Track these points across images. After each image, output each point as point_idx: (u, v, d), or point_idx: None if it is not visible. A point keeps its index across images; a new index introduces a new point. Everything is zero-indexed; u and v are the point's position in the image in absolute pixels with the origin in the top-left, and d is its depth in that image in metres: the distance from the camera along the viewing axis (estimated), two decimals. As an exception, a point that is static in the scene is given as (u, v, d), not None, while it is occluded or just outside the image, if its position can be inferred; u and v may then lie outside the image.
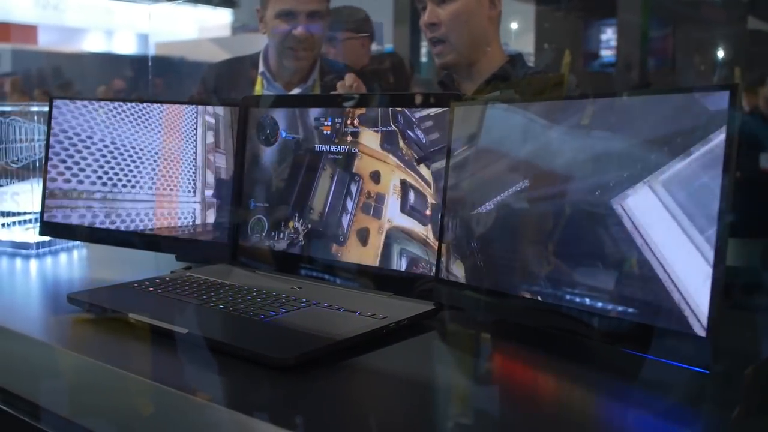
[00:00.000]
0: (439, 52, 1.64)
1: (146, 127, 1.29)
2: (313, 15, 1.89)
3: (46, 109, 1.37)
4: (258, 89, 1.98)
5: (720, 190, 0.71)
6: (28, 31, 8.01)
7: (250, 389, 0.77)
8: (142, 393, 0.78)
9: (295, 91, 1.97)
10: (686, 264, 0.72)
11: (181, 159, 1.27)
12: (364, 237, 1.08)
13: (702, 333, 0.70)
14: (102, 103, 1.32)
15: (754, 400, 0.73)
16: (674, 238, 0.73)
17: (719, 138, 0.71)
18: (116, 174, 1.30)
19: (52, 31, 8.41)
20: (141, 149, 1.29)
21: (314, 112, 1.16)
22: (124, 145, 1.30)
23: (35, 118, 1.49)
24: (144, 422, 0.79)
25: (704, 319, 0.70)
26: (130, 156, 1.29)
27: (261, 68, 2.00)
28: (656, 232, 0.75)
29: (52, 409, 0.88)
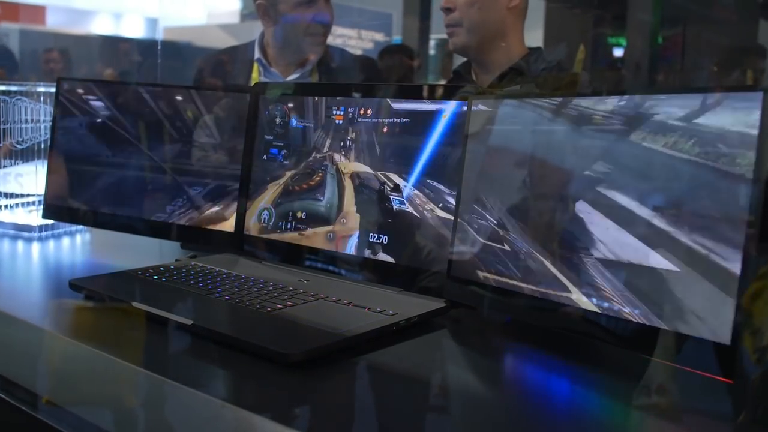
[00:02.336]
0: (451, 33, 1.68)
1: (153, 109, 1.27)
2: None
3: (53, 89, 1.35)
4: (255, 76, 1.96)
5: (749, 197, 0.68)
6: (37, 11, 7.99)
7: (254, 385, 0.75)
8: (143, 385, 0.76)
9: (293, 76, 1.96)
10: (712, 270, 0.69)
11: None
12: (374, 229, 1.05)
13: (726, 341, 0.68)
14: (111, 85, 1.30)
15: (759, 406, 0.71)
16: (700, 244, 0.71)
17: (750, 144, 0.69)
18: (122, 157, 1.27)
19: (61, 12, 8.38)
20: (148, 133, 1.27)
21: (326, 101, 1.14)
22: (130, 128, 1.28)
23: (41, 98, 1.47)
24: (143, 415, 0.77)
25: (728, 328, 0.68)
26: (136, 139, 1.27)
27: (257, 55, 1.98)
28: (681, 237, 0.73)
29: (49, 398, 0.86)
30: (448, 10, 1.66)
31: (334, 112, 1.13)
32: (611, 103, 0.82)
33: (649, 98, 0.78)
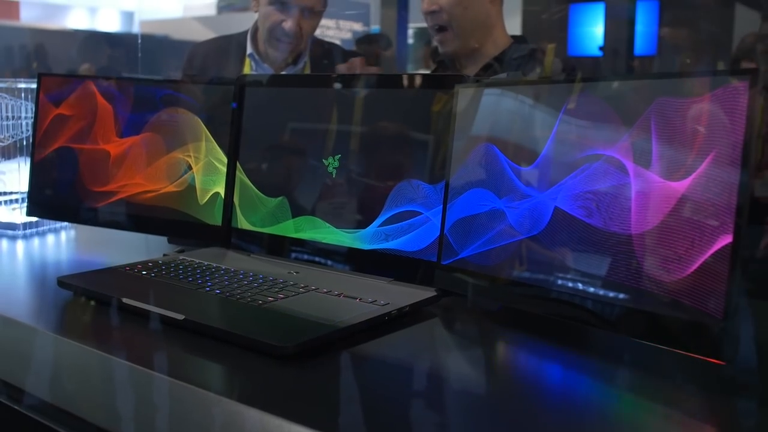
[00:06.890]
0: (442, 40, 1.63)
1: (139, 104, 1.26)
2: (306, 10, 1.85)
3: (34, 86, 1.33)
4: (247, 71, 1.94)
5: (739, 177, 0.69)
6: (10, 6, 7.90)
7: (249, 378, 0.75)
8: (136, 381, 0.76)
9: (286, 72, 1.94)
10: (703, 251, 0.70)
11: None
12: (361, 219, 1.05)
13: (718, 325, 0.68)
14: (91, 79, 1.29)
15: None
16: (690, 223, 0.71)
17: (739, 126, 0.69)
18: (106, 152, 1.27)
19: (35, 7, 8.29)
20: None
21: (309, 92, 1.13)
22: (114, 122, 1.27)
23: (22, 95, 1.45)
24: (137, 410, 0.77)
25: (720, 309, 0.68)
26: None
27: (249, 50, 1.96)
28: (671, 216, 0.73)
29: (41, 396, 0.86)
30: (433, 13, 1.62)
31: (320, 104, 1.12)
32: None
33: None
